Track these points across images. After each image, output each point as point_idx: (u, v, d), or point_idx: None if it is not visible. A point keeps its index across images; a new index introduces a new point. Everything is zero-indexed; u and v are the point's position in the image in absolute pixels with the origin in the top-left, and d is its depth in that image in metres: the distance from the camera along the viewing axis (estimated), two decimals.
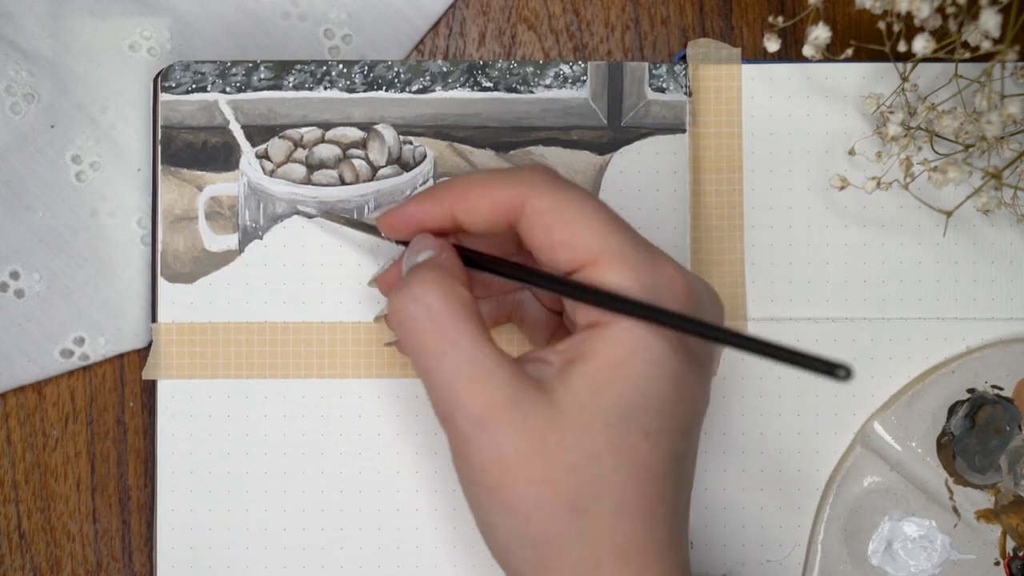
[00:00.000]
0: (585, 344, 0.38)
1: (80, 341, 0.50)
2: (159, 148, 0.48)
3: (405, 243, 0.43)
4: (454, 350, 0.38)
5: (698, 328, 0.37)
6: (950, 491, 0.49)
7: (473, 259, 0.41)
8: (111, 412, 0.50)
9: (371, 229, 0.44)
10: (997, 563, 0.49)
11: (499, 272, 0.41)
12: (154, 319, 0.48)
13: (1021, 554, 0.49)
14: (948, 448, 0.49)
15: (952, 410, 0.49)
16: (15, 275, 0.50)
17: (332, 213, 0.48)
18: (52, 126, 0.50)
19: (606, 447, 0.37)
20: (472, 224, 0.41)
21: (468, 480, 0.39)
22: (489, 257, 0.41)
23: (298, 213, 0.48)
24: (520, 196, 0.39)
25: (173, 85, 0.48)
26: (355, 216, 0.48)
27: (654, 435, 0.37)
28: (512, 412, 0.37)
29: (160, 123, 0.48)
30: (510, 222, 0.40)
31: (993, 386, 0.49)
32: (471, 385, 0.37)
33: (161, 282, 0.48)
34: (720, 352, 0.48)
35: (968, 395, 0.49)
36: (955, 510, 0.49)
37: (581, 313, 0.39)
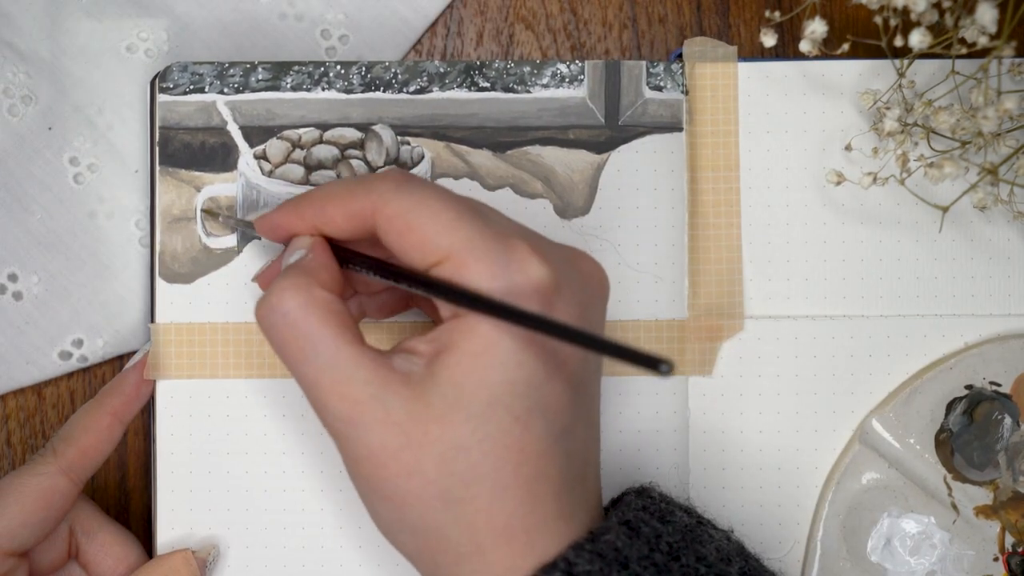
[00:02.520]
0: (449, 335, 0.38)
1: (79, 343, 0.50)
2: (156, 149, 0.48)
3: None
4: (314, 354, 0.38)
5: (534, 324, 0.36)
6: (949, 487, 0.49)
7: (345, 257, 0.42)
8: None
9: (252, 227, 0.45)
10: (996, 559, 0.49)
11: (367, 269, 0.41)
12: (152, 320, 0.48)
13: (1020, 550, 0.49)
14: (947, 445, 0.49)
15: (950, 407, 0.49)
16: (13, 277, 0.50)
17: (215, 211, 0.48)
18: (50, 128, 0.50)
19: (471, 436, 0.37)
20: (334, 235, 0.41)
21: (349, 473, 0.39)
22: (356, 255, 0.42)
23: None
24: (371, 206, 0.40)
25: (171, 86, 0.48)
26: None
27: (524, 418, 0.38)
28: (376, 407, 0.37)
29: (158, 123, 0.48)
30: (369, 231, 0.40)
31: (991, 382, 0.49)
32: (333, 387, 0.38)
33: (159, 282, 0.48)
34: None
35: (966, 391, 0.49)
36: (954, 506, 0.49)
37: (442, 304, 0.39)
